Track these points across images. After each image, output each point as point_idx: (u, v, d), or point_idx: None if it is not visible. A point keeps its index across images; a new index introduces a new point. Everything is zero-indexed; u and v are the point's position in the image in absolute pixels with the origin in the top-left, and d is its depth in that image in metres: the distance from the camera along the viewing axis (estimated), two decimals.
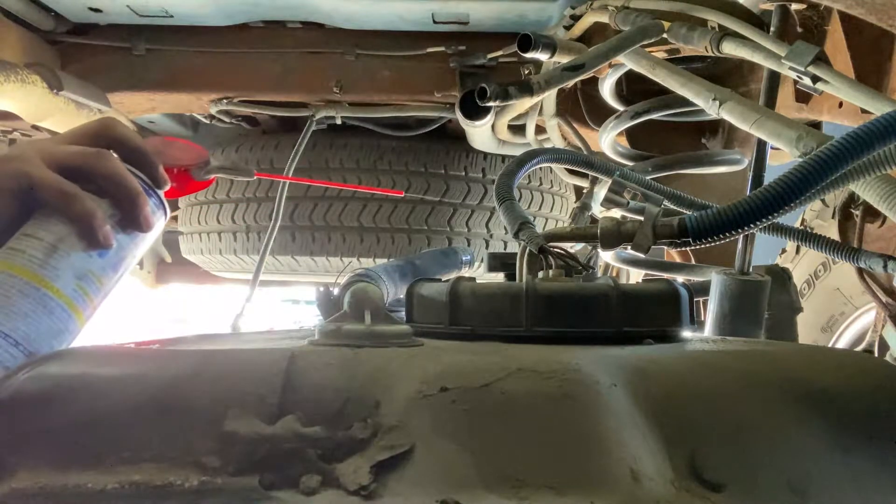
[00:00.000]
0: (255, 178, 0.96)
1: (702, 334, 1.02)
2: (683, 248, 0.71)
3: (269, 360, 0.50)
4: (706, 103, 1.02)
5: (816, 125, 1.53)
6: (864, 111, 1.07)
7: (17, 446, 0.46)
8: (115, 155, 0.68)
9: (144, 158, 0.70)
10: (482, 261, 0.89)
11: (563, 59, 1.31)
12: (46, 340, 0.60)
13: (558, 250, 0.70)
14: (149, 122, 2.64)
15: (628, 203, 0.86)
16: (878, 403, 0.54)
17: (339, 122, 2.18)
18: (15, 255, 0.61)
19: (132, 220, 0.67)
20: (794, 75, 0.97)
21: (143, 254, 0.72)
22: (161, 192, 0.72)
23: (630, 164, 1.60)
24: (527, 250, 0.72)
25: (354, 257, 2.26)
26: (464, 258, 1.06)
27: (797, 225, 1.96)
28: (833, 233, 1.75)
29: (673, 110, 1.48)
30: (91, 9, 1.86)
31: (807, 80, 0.96)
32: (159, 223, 0.71)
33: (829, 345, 1.94)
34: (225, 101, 2.12)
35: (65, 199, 0.63)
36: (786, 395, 0.52)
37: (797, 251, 2.09)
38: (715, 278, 1.11)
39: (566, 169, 2.03)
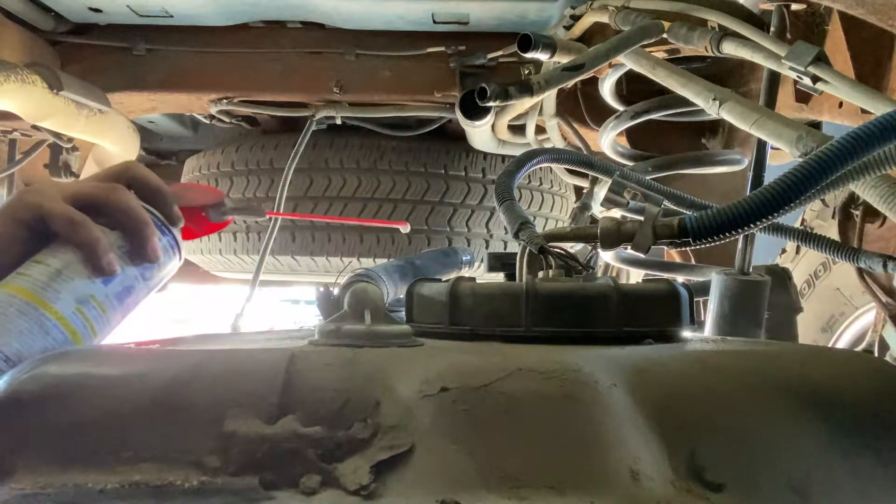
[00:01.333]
0: (266, 215, 0.98)
1: (702, 334, 1.02)
2: (683, 248, 0.71)
3: (269, 360, 0.50)
4: (706, 103, 1.02)
5: (816, 125, 1.53)
6: (864, 111, 1.07)
7: (17, 446, 0.46)
8: (129, 191, 0.71)
9: (161, 197, 0.73)
10: (482, 261, 0.89)
11: (563, 59, 1.31)
12: None
13: (558, 250, 0.70)
14: (149, 122, 2.64)
15: (628, 203, 0.86)
16: (878, 403, 0.54)
17: (339, 122, 2.18)
18: (20, 278, 0.63)
19: (140, 251, 0.69)
20: (794, 75, 0.97)
21: (155, 288, 0.74)
22: (176, 231, 0.74)
23: (630, 164, 1.60)
24: (527, 250, 0.72)
25: (354, 257, 2.26)
26: (464, 258, 1.06)
27: (797, 225, 1.96)
28: (833, 233, 1.75)
29: (673, 110, 1.48)
30: (91, 9, 1.86)
31: (807, 80, 0.96)
32: (173, 262, 0.74)
33: (829, 345, 1.94)
34: (225, 101, 2.12)
35: (71, 227, 0.66)
36: (786, 395, 0.52)
37: (797, 251, 2.09)
38: (715, 278, 1.11)
39: (566, 169, 2.02)
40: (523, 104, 1.78)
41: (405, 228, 2.04)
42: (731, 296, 1.08)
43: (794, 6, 1.20)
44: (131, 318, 0.72)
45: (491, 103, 1.18)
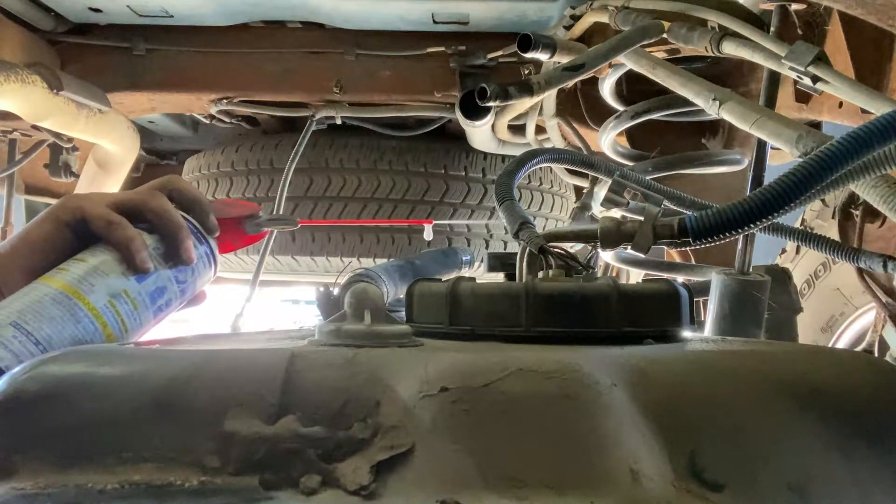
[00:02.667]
0: (298, 225, 1.02)
1: (702, 334, 1.02)
2: (683, 248, 0.71)
3: (269, 360, 0.50)
4: (706, 103, 1.02)
5: (816, 125, 1.53)
6: (864, 111, 1.07)
7: (17, 446, 0.46)
8: (166, 198, 0.75)
9: (198, 206, 0.77)
10: (482, 261, 0.89)
11: (563, 59, 1.31)
12: (69, 346, 0.63)
13: (558, 250, 0.70)
14: (149, 122, 2.64)
15: (628, 203, 0.86)
16: (878, 403, 0.54)
17: (339, 122, 2.18)
18: (59, 272, 0.68)
19: (174, 253, 0.73)
20: (794, 75, 0.97)
21: (189, 295, 0.77)
22: (213, 242, 0.77)
23: (630, 164, 1.60)
24: (527, 250, 0.72)
25: (354, 257, 2.26)
26: (464, 258, 1.06)
27: (797, 225, 1.96)
28: (833, 233, 1.75)
29: (673, 110, 1.48)
30: (91, 9, 1.86)
31: (807, 80, 0.96)
32: (208, 272, 0.77)
33: (829, 345, 1.94)
34: (225, 101, 2.12)
35: (108, 227, 0.70)
36: (786, 394, 0.52)
37: (797, 251, 2.09)
38: (715, 278, 1.11)
39: (566, 169, 2.02)
40: (523, 104, 1.78)
41: (428, 232, 2.05)
42: (731, 296, 1.08)
43: (794, 6, 1.20)
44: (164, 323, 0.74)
45: (491, 103, 1.18)
